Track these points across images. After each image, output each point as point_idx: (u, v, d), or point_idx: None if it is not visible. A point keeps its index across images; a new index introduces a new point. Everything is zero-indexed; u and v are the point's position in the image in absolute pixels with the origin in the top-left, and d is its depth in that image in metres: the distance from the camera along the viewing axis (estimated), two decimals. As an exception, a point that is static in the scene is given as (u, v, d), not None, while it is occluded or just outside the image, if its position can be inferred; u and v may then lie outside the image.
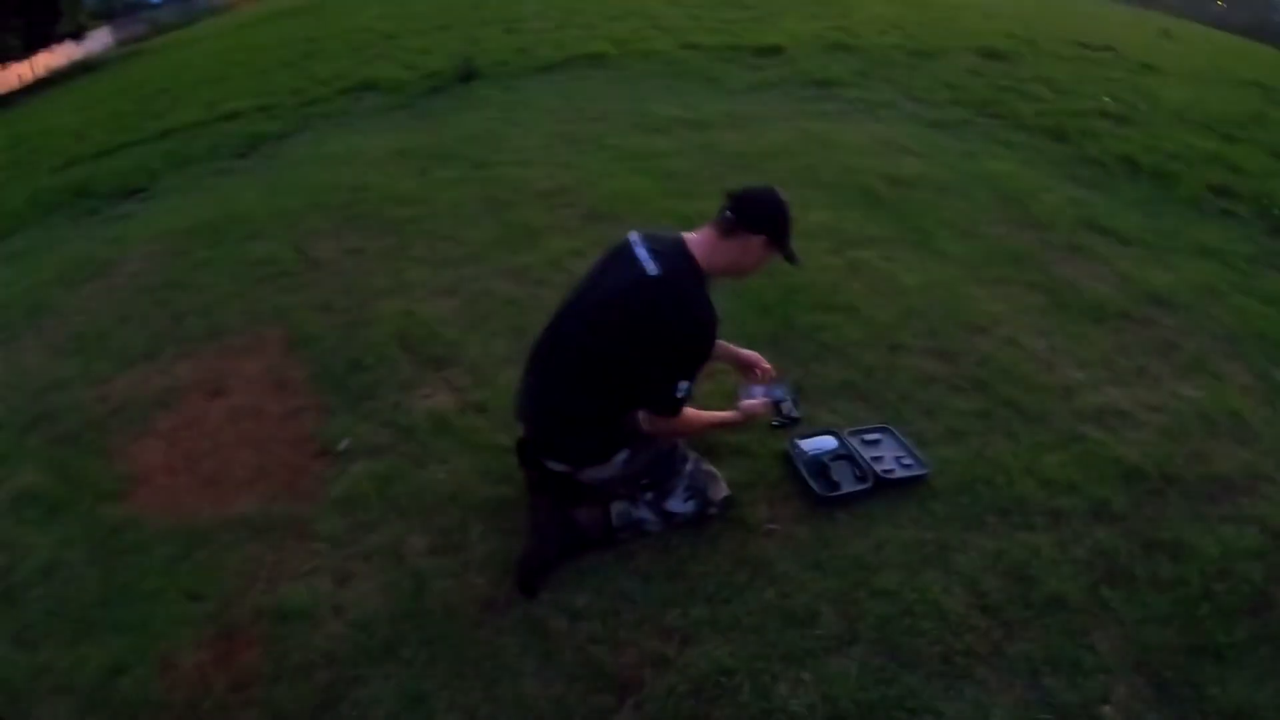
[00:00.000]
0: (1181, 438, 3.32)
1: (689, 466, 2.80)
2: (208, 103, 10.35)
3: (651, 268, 2.52)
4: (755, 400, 2.92)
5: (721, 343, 2.84)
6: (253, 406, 3.76)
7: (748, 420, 2.91)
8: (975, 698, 2.34)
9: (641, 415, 2.79)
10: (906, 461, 3.03)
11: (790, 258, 2.68)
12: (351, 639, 2.60)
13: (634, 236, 2.65)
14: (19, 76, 29.47)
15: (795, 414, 2.99)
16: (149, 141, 9.23)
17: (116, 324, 4.68)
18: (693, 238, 2.62)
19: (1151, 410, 3.47)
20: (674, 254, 2.57)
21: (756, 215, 2.58)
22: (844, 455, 3.04)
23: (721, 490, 2.84)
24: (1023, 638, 2.51)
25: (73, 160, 9.43)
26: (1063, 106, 7.09)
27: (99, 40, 35.21)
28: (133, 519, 3.18)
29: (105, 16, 37.49)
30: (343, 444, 3.41)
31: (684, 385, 2.56)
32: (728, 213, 2.57)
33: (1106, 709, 2.32)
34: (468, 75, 8.75)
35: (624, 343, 2.53)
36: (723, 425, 2.91)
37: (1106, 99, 7.36)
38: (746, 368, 3.04)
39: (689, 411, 2.70)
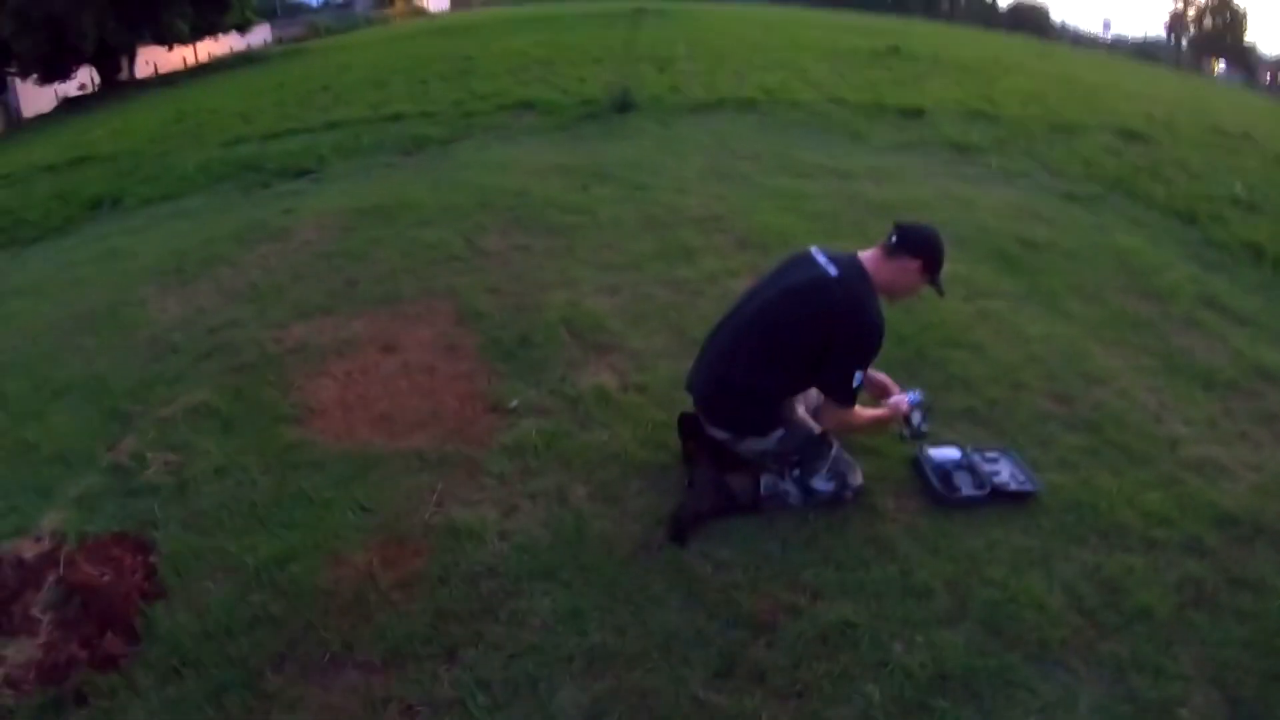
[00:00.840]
0: (1276, 495, 3.48)
1: (834, 452, 3.19)
2: (371, 104, 10.95)
3: (832, 270, 2.99)
4: (899, 399, 3.31)
5: None
6: (425, 364, 4.20)
7: (894, 416, 3.30)
8: (1066, 683, 2.62)
9: (811, 411, 3.23)
10: (1021, 479, 3.36)
11: (938, 288, 3.13)
12: (515, 558, 2.99)
13: (813, 248, 3.13)
14: (184, 59, 31.43)
15: (924, 429, 3.37)
16: (315, 131, 9.82)
17: (291, 281, 5.22)
18: (863, 254, 3.09)
19: (1250, 469, 3.66)
20: (849, 263, 3.04)
21: (918, 242, 3.04)
22: (965, 466, 3.39)
23: (858, 478, 3.23)
24: (1112, 639, 2.77)
25: (240, 139, 10.07)
26: (1194, 190, 7.23)
27: (259, 35, 37.24)
28: (307, 441, 3.62)
29: (267, 14, 39.51)
30: (513, 402, 3.86)
31: (859, 376, 3.00)
32: (894, 237, 3.03)
33: (1184, 712, 2.54)
34: (624, 106, 9.22)
35: (804, 331, 2.98)
36: (880, 420, 3.31)
37: (1238, 186, 7.47)
38: (879, 388, 3.42)
39: (856, 408, 3.14)
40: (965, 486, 3.30)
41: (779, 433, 3.12)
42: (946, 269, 3.13)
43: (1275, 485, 3.57)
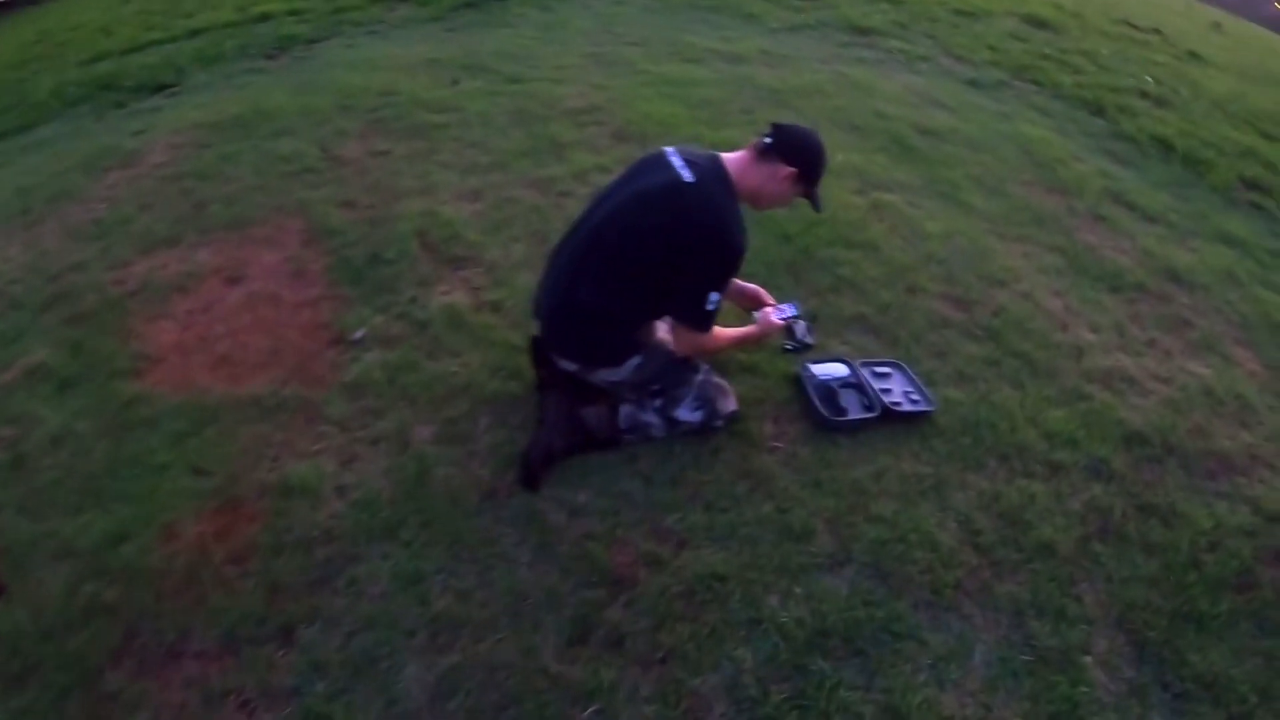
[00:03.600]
0: (1186, 411, 3.36)
1: (700, 377, 2.82)
2: (239, 6, 10.12)
3: (687, 175, 2.53)
4: (770, 313, 2.92)
5: None
6: (270, 294, 3.78)
7: (766, 335, 2.93)
8: (960, 631, 2.41)
9: (670, 336, 2.81)
10: (914, 397, 3.06)
11: (814, 202, 2.70)
12: (352, 518, 2.66)
13: (668, 149, 2.66)
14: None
15: (809, 340, 3.01)
16: (178, 40, 8.95)
17: (138, 211, 4.67)
18: (728, 156, 2.64)
19: (1159, 381, 3.51)
20: (709, 166, 2.59)
21: (795, 146, 2.60)
22: (853, 384, 3.07)
23: (730, 404, 2.87)
24: (1011, 579, 2.58)
25: (100, 56, 9.16)
26: (1102, 81, 6.97)
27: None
28: (145, 395, 3.21)
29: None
30: (357, 333, 3.43)
31: (714, 297, 2.57)
32: (767, 138, 2.59)
33: (1088, 659, 2.38)
34: (504, -9, 8.59)
35: (655, 246, 2.53)
36: (745, 341, 2.93)
37: (1148, 79, 7.22)
38: (751, 300, 3.05)
39: (716, 330, 2.73)
40: (853, 408, 2.98)
41: (634, 360, 2.70)
42: (825, 179, 2.73)
43: (1185, 400, 3.42)
